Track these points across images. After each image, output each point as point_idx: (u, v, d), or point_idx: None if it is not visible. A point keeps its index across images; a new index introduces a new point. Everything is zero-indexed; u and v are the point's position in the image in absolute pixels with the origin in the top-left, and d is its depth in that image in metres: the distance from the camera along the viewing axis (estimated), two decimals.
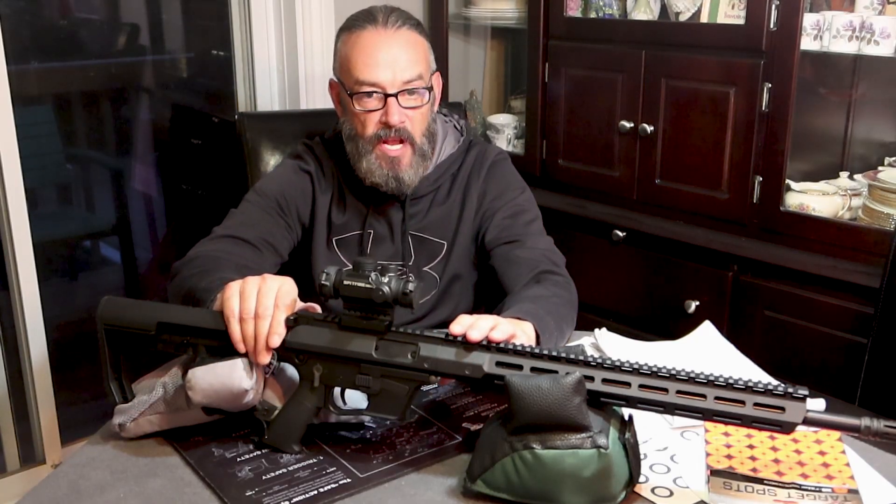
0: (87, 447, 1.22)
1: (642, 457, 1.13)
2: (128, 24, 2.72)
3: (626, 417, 1.09)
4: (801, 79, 2.03)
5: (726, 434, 1.24)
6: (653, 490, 1.11)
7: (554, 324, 1.31)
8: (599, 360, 1.07)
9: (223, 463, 1.17)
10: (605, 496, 1.04)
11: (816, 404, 1.24)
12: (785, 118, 2.02)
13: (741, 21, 2.07)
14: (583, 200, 2.48)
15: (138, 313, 1.22)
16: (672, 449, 1.21)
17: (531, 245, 1.57)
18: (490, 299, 1.65)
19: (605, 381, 1.06)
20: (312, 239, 1.65)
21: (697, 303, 2.19)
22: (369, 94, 1.53)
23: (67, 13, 2.62)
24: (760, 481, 1.13)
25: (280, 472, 1.15)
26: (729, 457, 1.19)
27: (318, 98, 2.58)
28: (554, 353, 1.08)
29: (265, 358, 1.16)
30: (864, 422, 1.01)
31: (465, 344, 1.12)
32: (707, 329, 1.54)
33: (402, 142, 1.55)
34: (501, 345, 1.11)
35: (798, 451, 1.20)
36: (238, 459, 1.18)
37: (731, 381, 1.03)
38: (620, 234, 2.34)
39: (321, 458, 1.18)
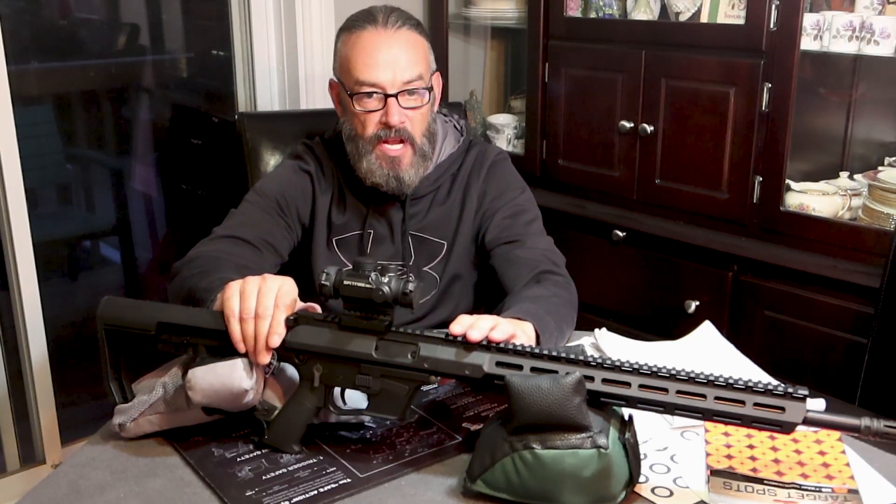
0: (87, 447, 1.22)
1: (642, 457, 1.13)
2: (128, 24, 2.72)
3: (626, 417, 1.09)
4: (801, 79, 2.03)
5: (726, 434, 1.24)
6: (653, 490, 1.11)
7: (554, 324, 1.31)
8: (599, 360, 1.07)
9: (223, 463, 1.17)
10: (605, 496, 1.04)
11: (816, 404, 1.24)
12: (785, 118, 2.02)
13: (741, 21, 2.07)
14: (583, 200, 2.48)
15: (138, 313, 1.22)
16: (672, 449, 1.21)
17: (531, 245, 1.57)
18: (490, 299, 1.65)
19: (605, 381, 1.06)
20: (312, 239, 1.65)
21: (697, 303, 2.19)
22: (369, 94, 1.53)
23: (67, 13, 2.62)
24: (760, 481, 1.13)
25: (280, 472, 1.15)
26: (729, 457, 1.19)
27: (318, 98, 2.58)
28: (554, 353, 1.08)
29: (265, 358, 1.16)
30: (864, 422, 1.01)
31: (465, 344, 1.12)
32: (707, 329, 1.54)
33: (402, 142, 1.55)
34: (501, 345, 1.11)
35: (798, 451, 1.20)
36: (238, 459, 1.18)
37: (731, 381, 1.03)
38: (620, 234, 2.34)
39: (321, 458, 1.18)
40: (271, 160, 2.02)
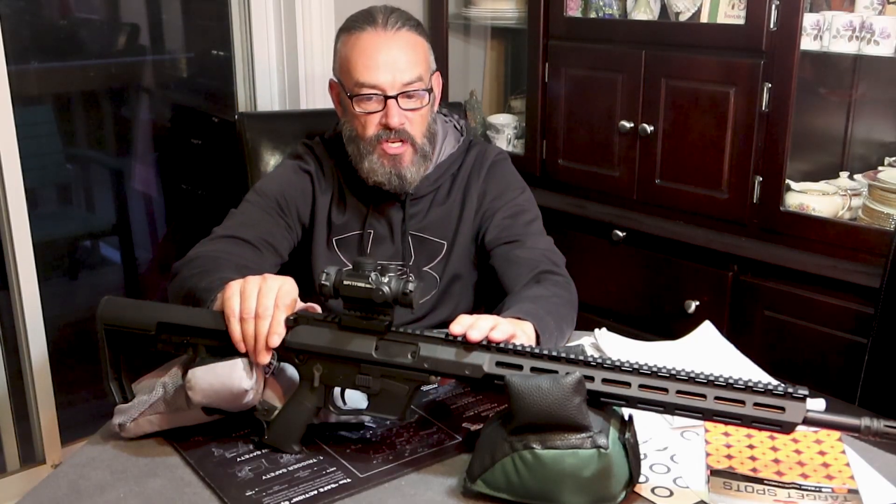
0: (87, 447, 1.22)
1: (642, 457, 1.13)
2: (128, 24, 2.72)
3: (626, 417, 1.09)
4: (801, 79, 2.03)
5: (726, 434, 1.24)
6: (653, 490, 1.11)
7: (554, 324, 1.31)
8: (599, 360, 1.07)
9: (223, 463, 1.17)
10: (605, 496, 1.04)
11: (816, 404, 1.24)
12: (785, 118, 2.02)
13: (741, 21, 2.07)
14: (583, 200, 2.48)
15: (138, 313, 1.22)
16: (672, 449, 1.21)
17: (531, 245, 1.57)
18: (490, 299, 1.65)
19: (605, 381, 1.06)
20: (312, 239, 1.65)
21: (697, 303, 2.19)
22: (369, 96, 1.53)
23: (67, 13, 2.62)
24: (760, 481, 1.13)
25: (280, 472, 1.15)
26: (729, 457, 1.19)
27: (318, 98, 2.58)
28: (554, 353, 1.08)
29: (265, 358, 1.16)
30: (864, 422, 1.01)
31: (465, 344, 1.12)
32: (707, 329, 1.54)
33: (402, 142, 1.55)
34: (501, 345, 1.11)
35: (798, 451, 1.20)
36: (238, 459, 1.18)
37: (731, 381, 1.03)
38: (620, 234, 2.34)
39: (321, 458, 1.18)
40: (271, 160, 2.02)
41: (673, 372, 1.05)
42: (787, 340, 2.05)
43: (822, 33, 2.00)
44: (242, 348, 1.16)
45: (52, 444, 2.45)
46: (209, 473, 1.14)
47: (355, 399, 1.21)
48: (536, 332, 1.24)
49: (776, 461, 1.18)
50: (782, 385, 1.02)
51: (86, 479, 1.15)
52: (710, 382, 1.03)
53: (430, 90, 1.57)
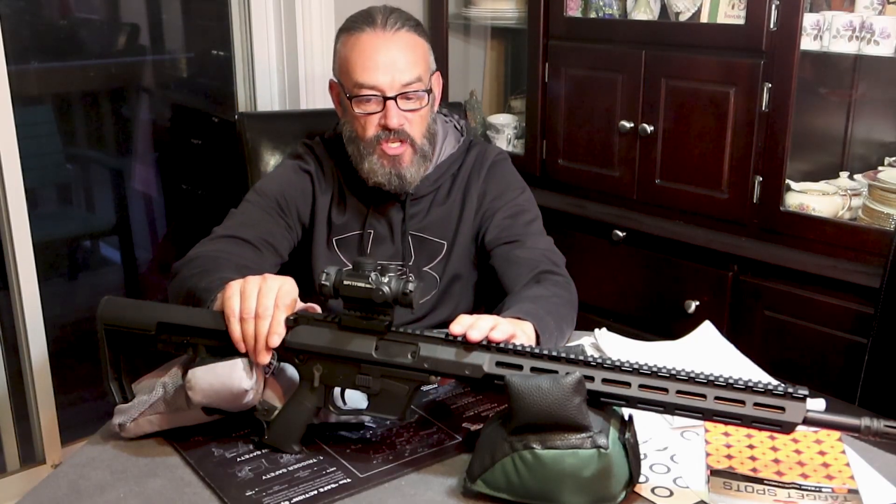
0: (87, 447, 1.22)
1: (642, 457, 1.13)
2: (128, 24, 2.72)
3: (626, 417, 1.09)
4: (801, 79, 2.03)
5: (726, 434, 1.24)
6: (653, 490, 1.11)
7: (554, 324, 1.31)
8: (599, 360, 1.07)
9: (223, 463, 1.17)
10: (605, 496, 1.04)
11: (816, 404, 1.24)
12: (785, 118, 2.02)
13: (741, 21, 2.07)
14: (583, 200, 2.48)
15: (138, 313, 1.22)
16: (672, 449, 1.21)
17: (531, 245, 1.57)
18: (490, 299, 1.65)
19: (605, 381, 1.06)
20: (312, 239, 1.65)
21: (697, 303, 2.19)
22: (368, 97, 1.53)
23: (67, 13, 2.62)
24: (760, 481, 1.13)
25: (280, 472, 1.15)
26: (729, 457, 1.19)
27: (318, 98, 2.58)
28: (554, 353, 1.08)
29: (265, 358, 1.16)
30: (864, 422, 1.01)
31: (465, 344, 1.12)
32: (707, 329, 1.54)
33: (401, 142, 1.55)
34: (501, 345, 1.11)
35: (798, 451, 1.20)
36: (238, 459, 1.18)
37: (731, 381, 1.03)
38: (620, 234, 2.34)
39: (321, 458, 1.18)
40: (271, 160, 2.02)
41: (673, 372, 1.05)
42: (787, 340, 2.05)
43: (822, 33, 2.00)
44: (242, 348, 1.16)
45: (52, 444, 2.45)
46: (209, 473, 1.14)
47: (355, 399, 1.21)
48: (536, 332, 1.24)
49: (776, 461, 1.18)
50: (782, 385, 1.02)
51: (86, 479, 1.15)
52: (710, 382, 1.03)
53: (429, 91, 1.57)
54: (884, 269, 1.78)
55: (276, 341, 1.15)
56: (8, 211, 2.21)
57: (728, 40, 2.10)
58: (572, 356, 1.08)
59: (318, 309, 1.22)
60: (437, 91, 1.63)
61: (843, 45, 1.97)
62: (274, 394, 1.22)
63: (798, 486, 1.12)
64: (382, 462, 1.17)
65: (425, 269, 1.65)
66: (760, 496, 1.10)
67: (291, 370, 1.23)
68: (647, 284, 2.31)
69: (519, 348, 1.10)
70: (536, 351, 1.09)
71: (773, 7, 1.99)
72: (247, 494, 1.10)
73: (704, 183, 2.20)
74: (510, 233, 1.59)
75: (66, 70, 2.62)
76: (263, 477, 1.13)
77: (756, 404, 1.02)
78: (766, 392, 1.01)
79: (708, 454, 1.19)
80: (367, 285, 1.11)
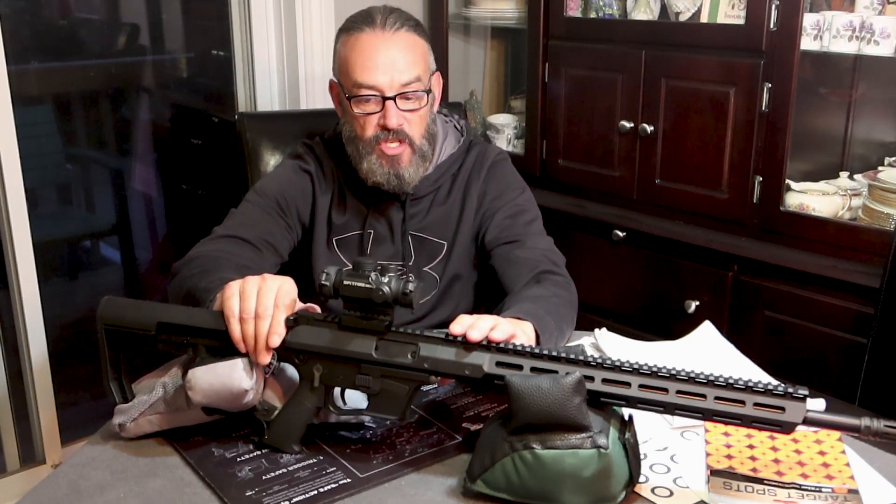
0: (87, 447, 1.22)
1: (642, 457, 1.13)
2: (128, 24, 2.72)
3: (626, 417, 1.09)
4: (801, 79, 2.03)
5: (726, 434, 1.24)
6: (653, 490, 1.11)
7: (554, 324, 1.31)
8: (599, 360, 1.07)
9: (223, 463, 1.17)
10: (605, 496, 1.04)
11: (816, 404, 1.24)
12: (785, 118, 2.02)
13: (741, 21, 2.07)
14: (583, 200, 2.48)
15: (138, 313, 1.22)
16: (672, 449, 1.21)
17: (531, 245, 1.57)
18: (490, 299, 1.65)
19: (605, 381, 1.06)
20: (312, 239, 1.65)
21: (697, 303, 2.19)
22: (367, 97, 1.53)
23: (67, 13, 2.62)
24: (760, 481, 1.13)
25: (280, 472, 1.15)
26: (729, 457, 1.19)
27: (318, 98, 2.58)
28: (554, 353, 1.08)
29: (265, 358, 1.16)
30: (864, 422, 1.01)
31: (465, 344, 1.12)
32: (707, 329, 1.54)
33: (400, 142, 1.55)
34: (501, 345, 1.11)
35: (798, 451, 1.20)
36: (238, 459, 1.18)
37: (731, 381, 1.03)
38: (620, 234, 2.34)
39: (321, 458, 1.18)
40: (271, 160, 2.02)
41: (673, 372, 1.05)
42: (787, 340, 2.05)
43: (822, 33, 2.00)
44: (242, 348, 1.16)
45: (52, 444, 2.45)
46: (209, 473, 1.14)
47: (355, 399, 1.21)
48: (536, 332, 1.24)
49: (776, 461, 1.18)
50: (782, 385, 1.02)
51: (86, 479, 1.15)
52: (710, 382, 1.03)
53: (428, 91, 1.57)
54: (884, 269, 1.78)
55: (276, 341, 1.15)
56: (8, 211, 2.21)
57: (728, 40, 2.10)
58: (572, 356, 1.08)
59: (318, 309, 1.22)
60: (437, 91, 1.63)
61: (843, 45, 1.97)
62: (274, 394, 1.22)
63: (798, 486, 1.12)
64: (382, 462, 1.17)
65: (425, 269, 1.65)
66: (760, 496, 1.10)
67: (291, 370, 1.23)
68: (647, 284, 2.31)
69: (519, 348, 1.10)
70: (536, 351, 1.09)
71: (773, 7, 1.99)
72: (247, 494, 1.10)
73: (704, 183, 2.20)
74: (510, 233, 1.59)
75: (66, 70, 2.62)
76: (263, 477, 1.13)
77: (756, 404, 1.02)
78: (766, 392, 1.01)
79: (708, 454, 1.19)
80: (367, 285, 1.11)
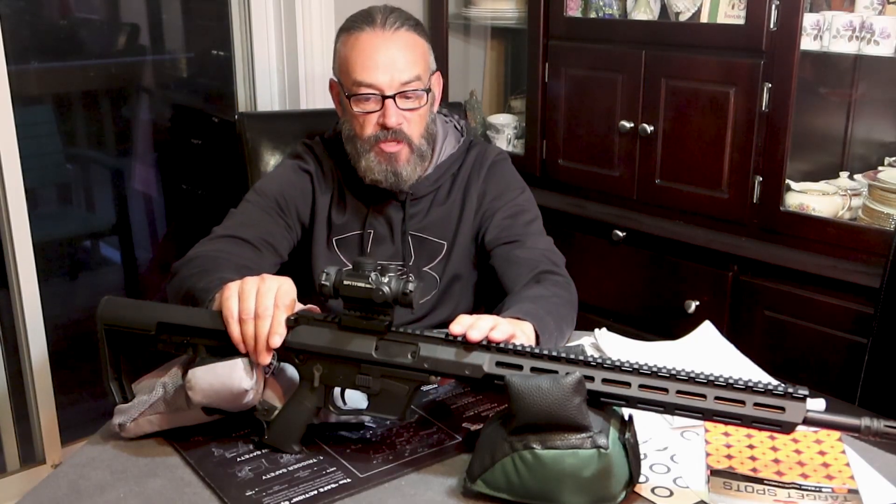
0: (87, 447, 1.22)
1: (642, 457, 1.13)
2: (128, 24, 2.72)
3: (626, 417, 1.09)
4: (801, 79, 2.03)
5: (726, 434, 1.24)
6: (653, 490, 1.11)
7: (554, 324, 1.31)
8: (599, 360, 1.07)
9: (223, 463, 1.17)
10: (605, 496, 1.04)
11: (816, 404, 1.24)
12: (785, 118, 2.02)
13: (741, 21, 2.07)
14: (583, 200, 2.48)
15: (138, 313, 1.22)
16: (672, 449, 1.21)
17: (531, 245, 1.57)
18: (490, 299, 1.65)
19: (605, 381, 1.06)
20: (312, 239, 1.65)
21: (697, 303, 2.19)
22: (367, 96, 1.53)
23: (67, 13, 2.62)
24: (760, 481, 1.13)
25: (280, 472, 1.15)
26: (729, 457, 1.19)
27: (318, 98, 2.58)
28: (554, 353, 1.08)
29: (266, 358, 1.16)
30: (864, 422, 1.01)
31: (465, 344, 1.12)
32: (707, 329, 1.54)
33: (398, 142, 1.55)
34: (501, 345, 1.11)
35: (798, 451, 1.20)
36: (238, 459, 1.18)
37: (731, 381, 1.03)
38: (620, 234, 2.34)
39: (321, 458, 1.18)
40: (271, 160, 2.02)
41: (673, 372, 1.05)
42: (787, 340, 2.05)
43: (822, 33, 2.01)
44: (242, 349, 1.16)
45: (52, 444, 2.45)
46: (209, 473, 1.14)
47: (355, 399, 1.21)
48: (536, 332, 1.24)
49: (776, 461, 1.18)
50: (782, 385, 1.02)
51: (86, 479, 1.15)
52: (710, 382, 1.03)
53: (428, 90, 1.57)
54: (884, 269, 1.78)
55: (277, 341, 1.15)
56: (8, 211, 2.21)
57: (728, 40, 2.10)
58: (572, 356, 1.08)
59: (318, 310, 1.22)
60: (437, 91, 1.64)
61: (843, 45, 1.98)
62: (274, 394, 1.22)
63: (798, 486, 1.12)
64: (382, 462, 1.17)
65: (425, 269, 1.65)
66: (760, 496, 1.10)
67: (291, 370, 1.23)
68: (647, 284, 2.31)
69: (519, 348, 1.10)
70: (536, 351, 1.09)
71: (773, 7, 1.99)
72: (247, 494, 1.10)
73: (704, 183, 2.20)
74: (510, 233, 1.59)
75: (66, 70, 2.62)
76: (263, 477, 1.13)
77: (756, 404, 1.01)
78: (766, 392, 1.01)
79: (708, 454, 1.19)
80: (367, 285, 1.11)
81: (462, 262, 1.65)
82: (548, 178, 2.57)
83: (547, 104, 2.53)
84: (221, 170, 2.69)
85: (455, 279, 1.66)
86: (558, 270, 1.53)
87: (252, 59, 2.64)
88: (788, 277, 2.03)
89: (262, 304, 1.15)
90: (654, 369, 1.05)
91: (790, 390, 1.01)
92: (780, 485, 1.12)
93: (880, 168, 2.13)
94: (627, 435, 1.06)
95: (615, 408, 1.09)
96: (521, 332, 1.19)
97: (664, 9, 2.28)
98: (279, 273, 1.37)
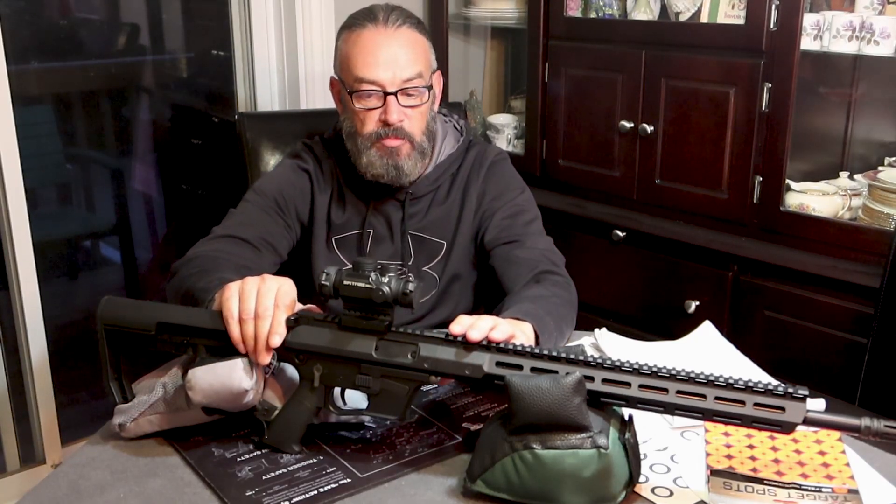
0: (87, 447, 1.22)
1: (642, 457, 1.13)
2: (128, 24, 2.72)
3: (626, 417, 1.09)
4: (801, 79, 2.03)
5: (726, 434, 1.24)
6: (653, 490, 1.11)
7: (553, 324, 1.31)
8: (599, 360, 1.07)
9: (223, 463, 1.17)
10: (605, 496, 1.04)
11: (816, 404, 1.24)
12: (785, 118, 2.02)
13: (741, 21, 2.07)
14: (583, 200, 2.48)
15: (138, 313, 1.22)
16: (672, 449, 1.21)
17: (531, 245, 1.57)
18: (490, 299, 1.65)
19: (605, 381, 1.06)
20: (312, 238, 1.65)
21: (697, 303, 2.19)
22: (369, 92, 1.53)
23: (67, 13, 2.62)
24: (760, 481, 1.13)
25: (280, 472, 1.15)
26: (729, 457, 1.19)
27: (318, 98, 2.58)
28: (554, 353, 1.08)
29: (266, 358, 1.16)
30: (864, 422, 1.01)
31: (465, 344, 1.12)
32: (707, 329, 1.54)
33: (400, 140, 1.55)
34: (501, 345, 1.11)
35: (798, 451, 1.20)
36: (238, 459, 1.18)
37: (731, 381, 1.03)
38: (620, 234, 2.34)
39: (321, 458, 1.18)
40: (271, 160, 2.02)
41: (673, 372, 1.04)
42: (787, 340, 2.05)
43: (822, 33, 2.00)
44: (242, 349, 1.16)
45: (52, 444, 2.45)
46: (209, 473, 1.14)
47: (355, 399, 1.21)
48: (536, 332, 1.24)
49: (776, 461, 1.18)
50: (782, 385, 1.02)
51: (86, 479, 1.15)
52: (710, 382, 1.03)
53: (429, 87, 1.57)
54: (884, 269, 1.78)
55: (277, 341, 1.15)
56: (8, 211, 2.21)
57: (728, 40, 2.10)
58: (572, 356, 1.08)
59: (319, 310, 1.22)
60: (438, 90, 1.64)
61: (843, 45, 1.97)
62: (274, 394, 1.22)
63: (798, 486, 1.12)
64: (382, 462, 1.17)
65: (425, 268, 1.65)
66: (760, 496, 1.10)
67: (291, 370, 1.23)
68: (647, 284, 2.31)
69: (519, 348, 1.10)
70: (536, 351, 1.09)
71: (773, 7, 1.99)
72: (247, 494, 1.10)
73: (704, 183, 2.20)
74: (510, 233, 1.59)
75: (66, 70, 2.62)
76: (263, 477, 1.13)
77: (756, 404, 1.01)
78: (766, 392, 1.01)
79: (708, 454, 1.19)
80: (368, 285, 1.11)
81: (461, 262, 1.65)
82: (548, 178, 2.57)
83: (547, 104, 2.53)
84: (221, 170, 2.69)
85: (454, 279, 1.66)
86: (558, 270, 1.53)
87: (252, 59, 2.64)
88: (788, 277, 2.03)
89: (262, 304, 1.15)
90: (654, 369, 1.05)
91: (790, 390, 1.01)
92: (780, 485, 1.12)
93: (880, 168, 2.13)
94: (627, 435, 1.06)
95: (615, 408, 1.09)
96: (520, 333, 1.19)
97: (664, 9, 2.28)
98: (279, 273, 1.37)
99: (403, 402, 1.15)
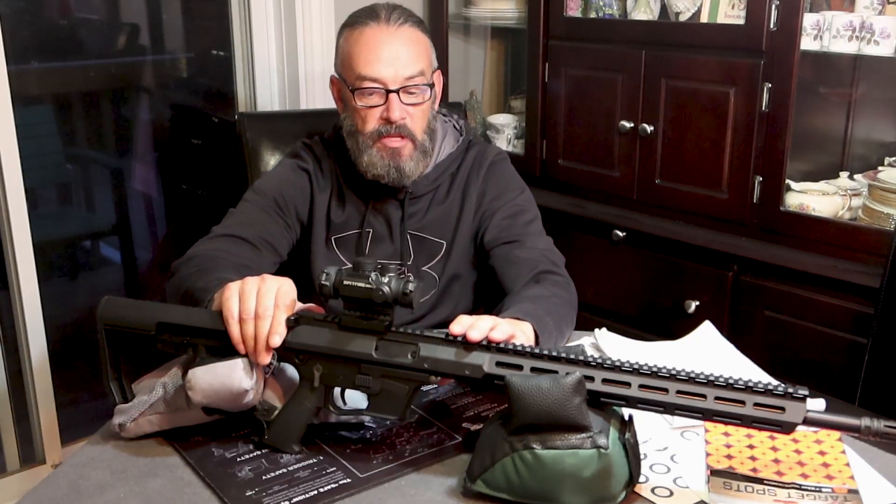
0: (87, 447, 1.22)
1: (642, 457, 1.13)
2: (128, 24, 2.72)
3: (626, 417, 1.09)
4: (801, 79, 2.03)
5: (726, 434, 1.24)
6: (653, 490, 1.11)
7: (553, 324, 1.31)
8: (599, 360, 1.07)
9: (223, 463, 1.17)
10: (605, 496, 1.04)
11: (816, 404, 1.24)
12: (785, 118, 2.02)
13: (741, 21, 2.07)
14: (583, 200, 2.48)
15: (138, 313, 1.22)
16: (672, 449, 1.21)
17: (531, 245, 1.57)
18: (490, 299, 1.65)
19: (605, 381, 1.06)
20: (311, 238, 1.65)
21: (697, 303, 2.19)
22: (371, 90, 1.53)
23: (67, 13, 2.62)
24: (760, 481, 1.13)
25: (280, 472, 1.15)
26: (729, 457, 1.19)
27: (318, 98, 2.58)
28: (554, 353, 1.08)
29: (266, 358, 1.16)
30: (864, 422, 1.01)
31: (465, 344, 1.12)
32: (707, 329, 1.54)
33: (402, 137, 1.55)
34: (501, 345, 1.11)
35: (798, 451, 1.20)
36: (238, 459, 1.18)
37: (731, 381, 1.03)
38: (620, 234, 2.34)
39: (321, 458, 1.18)
40: (271, 160, 2.02)
41: (673, 372, 1.04)
42: (787, 340, 2.05)
43: (822, 33, 2.00)
44: (242, 349, 1.16)
45: (52, 444, 2.45)
46: (209, 473, 1.14)
47: (355, 399, 1.21)
48: (535, 332, 1.24)
49: (776, 461, 1.18)
50: (782, 385, 1.02)
51: (86, 479, 1.15)
52: (710, 382, 1.03)
53: (431, 86, 1.57)
54: (884, 269, 1.78)
55: (277, 341, 1.15)
56: (8, 211, 2.21)
57: (728, 40, 2.10)
58: (572, 356, 1.08)
59: (320, 310, 1.22)
60: (439, 89, 1.64)
61: (843, 45, 1.97)
62: (274, 394, 1.22)
63: (798, 486, 1.12)
64: (382, 462, 1.17)
65: (424, 268, 1.65)
66: (760, 496, 1.10)
67: (291, 370, 1.23)
68: (647, 284, 2.31)
69: (519, 348, 1.10)
70: (536, 351, 1.09)
71: (773, 7, 1.99)
72: (247, 494, 1.10)
73: (704, 183, 2.20)
74: (509, 233, 1.59)
75: (66, 70, 2.62)
76: (263, 477, 1.13)
77: (756, 404, 1.01)
78: (766, 392, 1.01)
79: (708, 454, 1.19)
80: (368, 285, 1.11)
81: (461, 262, 1.65)
82: (548, 178, 2.57)
83: (547, 104, 2.53)
84: (221, 170, 2.69)
85: (454, 279, 1.66)
86: (558, 270, 1.53)
87: (252, 59, 2.64)
88: (788, 277, 2.03)
89: (262, 304, 1.15)
90: (654, 369, 1.05)
91: (790, 390, 1.01)
92: (780, 485, 1.12)
93: (880, 168, 2.13)
94: (627, 435, 1.06)
95: (615, 408, 1.09)
96: (520, 333, 1.19)
97: (664, 9, 2.28)
98: (278, 273, 1.37)
99: (403, 402, 1.15)
